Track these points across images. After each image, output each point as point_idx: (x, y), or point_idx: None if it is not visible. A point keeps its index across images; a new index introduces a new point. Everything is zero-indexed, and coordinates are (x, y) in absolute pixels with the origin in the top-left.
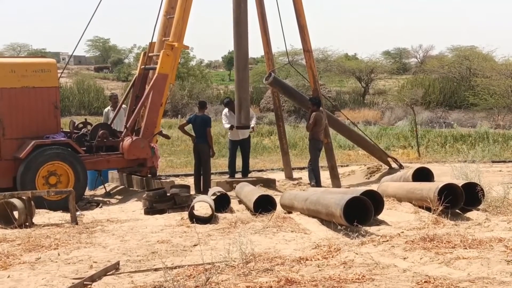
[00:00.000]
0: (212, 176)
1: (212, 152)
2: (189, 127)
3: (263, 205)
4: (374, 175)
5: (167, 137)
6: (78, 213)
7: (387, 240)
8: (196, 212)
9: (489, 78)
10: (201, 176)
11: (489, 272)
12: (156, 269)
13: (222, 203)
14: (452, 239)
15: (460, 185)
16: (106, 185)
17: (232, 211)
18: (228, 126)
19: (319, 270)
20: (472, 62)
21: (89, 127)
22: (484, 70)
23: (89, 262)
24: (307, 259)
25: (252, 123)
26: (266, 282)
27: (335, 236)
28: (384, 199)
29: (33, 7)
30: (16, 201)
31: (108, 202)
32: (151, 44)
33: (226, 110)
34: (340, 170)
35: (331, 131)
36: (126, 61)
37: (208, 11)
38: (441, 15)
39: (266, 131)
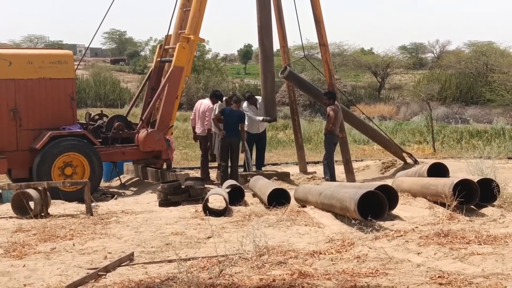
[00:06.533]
0: None
1: (243, 147)
2: None
3: (277, 199)
4: (389, 170)
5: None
6: (93, 204)
7: (401, 235)
8: (210, 205)
9: (506, 74)
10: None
11: (503, 268)
12: (170, 261)
13: (236, 196)
14: (467, 235)
15: (475, 181)
16: (121, 176)
17: (246, 204)
18: (260, 118)
19: (333, 264)
20: (489, 57)
21: (105, 119)
22: (501, 66)
23: (104, 252)
24: (320, 253)
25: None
26: (280, 275)
27: (349, 230)
28: (399, 194)
29: None
30: (32, 192)
31: (123, 194)
32: (167, 37)
33: (245, 104)
34: (355, 165)
35: (346, 126)
36: (142, 53)
37: (225, 4)
38: (459, 10)
39: (281, 125)
